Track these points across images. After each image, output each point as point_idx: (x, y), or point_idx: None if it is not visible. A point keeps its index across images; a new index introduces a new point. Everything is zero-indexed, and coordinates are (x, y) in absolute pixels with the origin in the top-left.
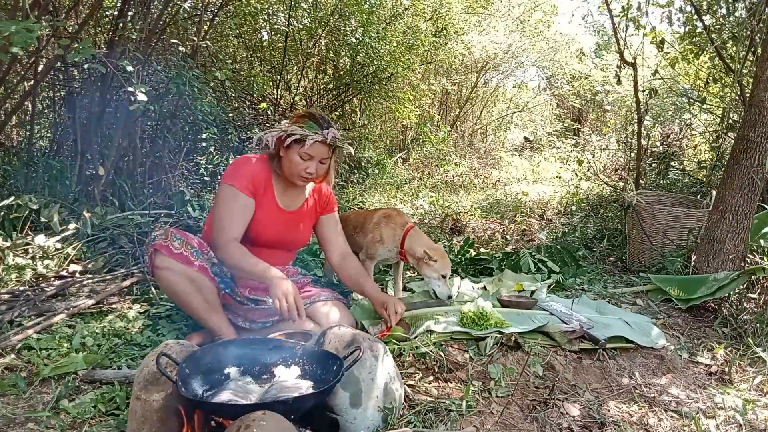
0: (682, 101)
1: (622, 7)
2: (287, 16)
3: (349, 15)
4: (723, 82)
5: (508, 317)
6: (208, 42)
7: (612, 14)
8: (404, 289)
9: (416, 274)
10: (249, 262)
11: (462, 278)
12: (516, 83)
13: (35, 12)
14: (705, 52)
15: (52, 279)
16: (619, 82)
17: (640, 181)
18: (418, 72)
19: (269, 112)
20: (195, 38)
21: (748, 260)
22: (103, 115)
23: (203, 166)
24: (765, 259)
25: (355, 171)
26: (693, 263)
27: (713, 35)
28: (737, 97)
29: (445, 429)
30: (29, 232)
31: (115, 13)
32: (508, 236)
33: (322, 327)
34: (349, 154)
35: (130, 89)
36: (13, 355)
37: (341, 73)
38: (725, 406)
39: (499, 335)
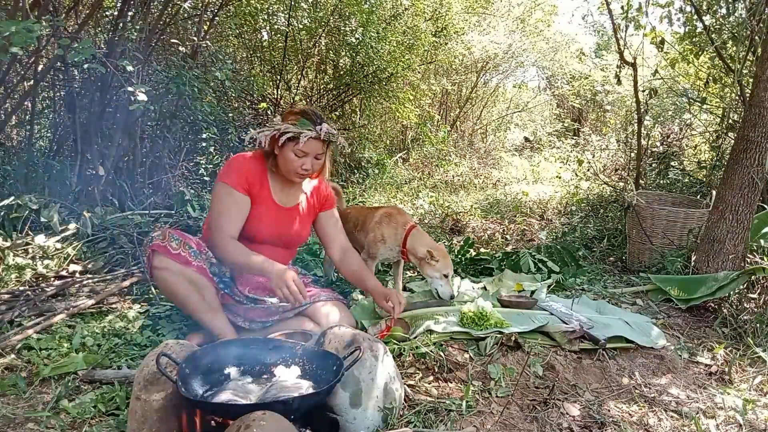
0: (682, 101)
1: (622, 7)
2: (287, 16)
3: (349, 15)
4: (723, 82)
5: (508, 317)
6: (208, 42)
7: (612, 14)
8: (404, 289)
9: (416, 273)
10: (247, 257)
11: (462, 278)
12: (516, 83)
13: (35, 12)
14: (705, 52)
15: (52, 279)
16: (619, 82)
17: (640, 181)
18: (418, 72)
19: (269, 112)
20: (195, 38)
21: (748, 260)
22: (103, 115)
23: (203, 166)
24: (765, 259)
25: (355, 171)
26: (693, 263)
27: (713, 35)
28: (737, 97)
29: (445, 429)
30: (29, 232)
31: (115, 13)
32: (508, 236)
33: (322, 327)
34: (348, 154)
35: (130, 89)
36: (13, 355)
37: (341, 73)
38: (725, 406)
39: (499, 335)
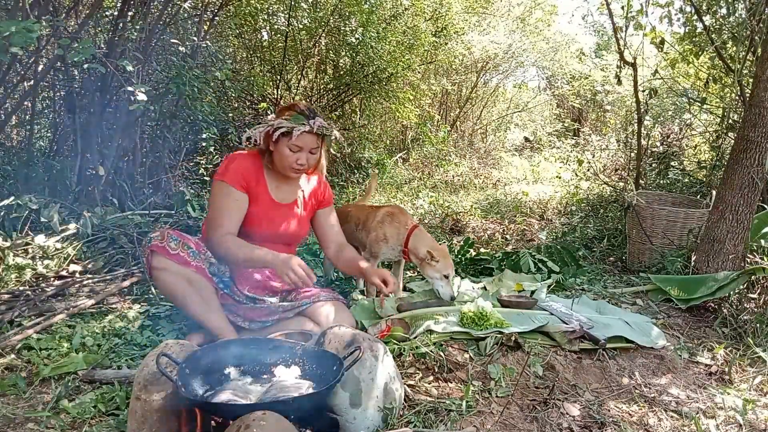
0: (682, 101)
1: (622, 7)
2: (287, 16)
3: (349, 15)
4: (723, 82)
5: (508, 317)
6: (208, 42)
7: (612, 14)
8: (404, 289)
9: (416, 273)
10: (247, 250)
11: (462, 278)
12: (516, 83)
13: (35, 12)
14: (705, 53)
15: (52, 279)
16: (619, 82)
17: (640, 181)
18: (418, 72)
19: (269, 112)
20: (195, 38)
21: (748, 260)
22: (103, 115)
23: (203, 166)
24: (765, 259)
25: (355, 171)
26: (693, 263)
27: (713, 35)
28: (737, 97)
29: (445, 429)
30: (29, 232)
31: (115, 13)
32: (508, 236)
33: (322, 327)
34: (348, 154)
35: (130, 89)
36: (13, 355)
37: (341, 73)
38: (725, 406)
39: (499, 335)
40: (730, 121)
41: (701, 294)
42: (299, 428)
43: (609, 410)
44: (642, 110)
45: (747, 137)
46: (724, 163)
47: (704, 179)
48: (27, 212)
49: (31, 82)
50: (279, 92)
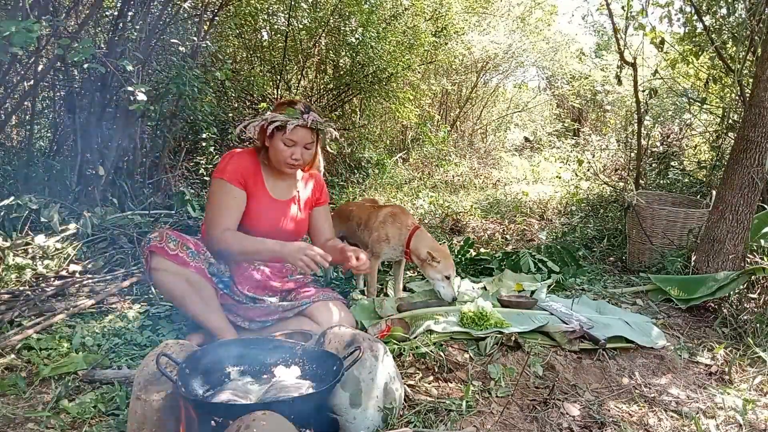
0: (682, 101)
1: (623, 8)
2: (287, 16)
3: (349, 15)
4: (723, 82)
5: (508, 317)
6: (208, 42)
7: (612, 14)
8: (404, 289)
9: (417, 273)
10: (250, 242)
11: (462, 278)
12: (516, 83)
13: (35, 12)
14: (705, 53)
15: (52, 279)
16: (619, 82)
17: (640, 181)
18: (418, 72)
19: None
20: (195, 38)
21: (748, 260)
22: (103, 115)
23: (203, 166)
24: (765, 259)
25: (355, 171)
26: (693, 263)
27: (713, 35)
28: (737, 97)
29: (445, 429)
30: (29, 232)
31: (115, 13)
32: (508, 236)
33: (322, 327)
34: (348, 154)
35: (130, 89)
36: (13, 355)
37: (341, 73)
38: (725, 406)
39: (499, 335)
40: (730, 121)
41: (701, 294)
42: (299, 428)
43: (609, 410)
44: (642, 110)
45: (747, 137)
46: (724, 163)
47: (704, 179)
48: (27, 212)
49: (31, 82)
50: (279, 92)
